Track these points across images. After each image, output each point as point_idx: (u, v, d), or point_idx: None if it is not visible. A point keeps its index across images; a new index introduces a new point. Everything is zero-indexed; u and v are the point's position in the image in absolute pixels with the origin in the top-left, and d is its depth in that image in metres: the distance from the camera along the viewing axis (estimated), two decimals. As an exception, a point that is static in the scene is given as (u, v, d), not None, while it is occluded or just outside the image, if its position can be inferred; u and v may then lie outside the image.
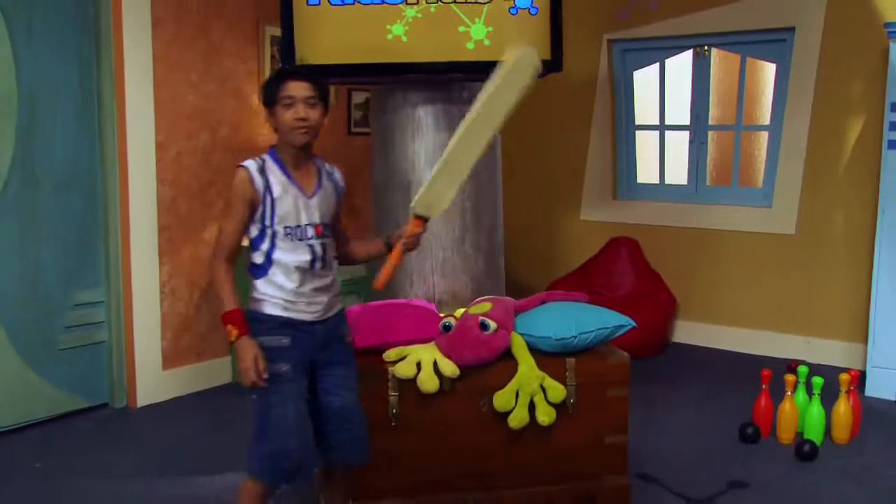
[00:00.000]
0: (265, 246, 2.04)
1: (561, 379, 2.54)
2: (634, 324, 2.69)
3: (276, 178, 2.03)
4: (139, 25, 3.64)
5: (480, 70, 2.81)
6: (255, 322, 2.05)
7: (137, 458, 3.17)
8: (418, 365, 2.46)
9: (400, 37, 2.75)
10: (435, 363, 2.47)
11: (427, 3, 2.75)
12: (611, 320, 2.64)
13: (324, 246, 2.07)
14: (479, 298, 2.78)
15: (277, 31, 4.14)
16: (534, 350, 2.57)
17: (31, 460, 3.12)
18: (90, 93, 3.61)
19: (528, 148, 5.50)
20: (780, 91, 4.79)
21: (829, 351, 4.53)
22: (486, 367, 2.52)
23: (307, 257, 2.04)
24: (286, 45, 2.74)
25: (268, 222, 2.02)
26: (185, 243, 3.91)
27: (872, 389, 4.04)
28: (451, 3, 2.75)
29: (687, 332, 5.07)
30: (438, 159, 2.17)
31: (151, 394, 3.80)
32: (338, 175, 2.18)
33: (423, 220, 2.16)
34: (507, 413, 2.50)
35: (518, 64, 2.11)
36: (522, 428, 2.52)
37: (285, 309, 2.04)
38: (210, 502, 2.77)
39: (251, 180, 2.01)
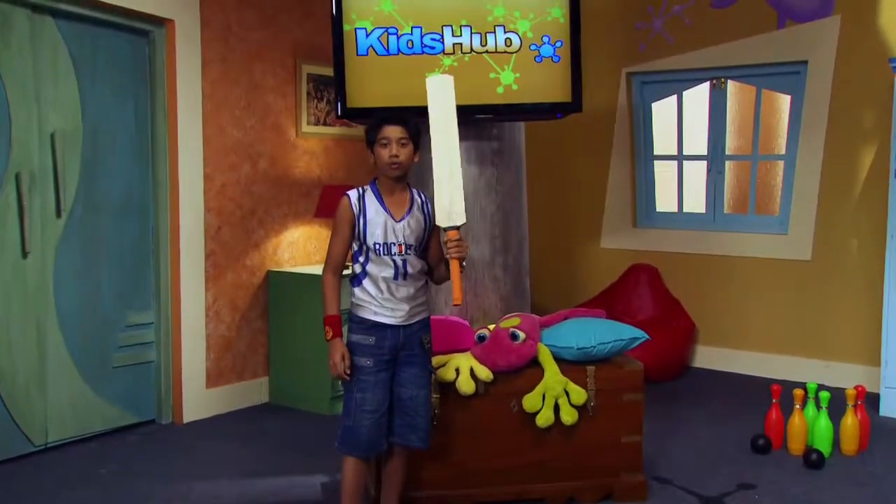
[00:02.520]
0: (362, 259, 2.70)
1: (582, 384, 3.16)
2: (647, 336, 3.29)
3: (372, 204, 2.69)
4: (190, 67, 4.32)
5: (509, 112, 3.50)
6: (352, 322, 2.72)
7: (192, 465, 3.77)
8: (457, 370, 3.09)
9: (438, 83, 3.41)
10: (471, 369, 3.10)
11: (462, 52, 3.43)
12: (626, 333, 3.26)
13: (405, 262, 2.68)
14: (508, 314, 3.40)
15: (314, 69, 4.89)
16: (558, 358, 3.20)
17: (95, 467, 3.72)
18: (145, 129, 4.28)
19: (550, 178, 6.15)
20: (794, 122, 5.41)
21: (847, 374, 5.06)
22: (516, 373, 3.15)
23: (391, 270, 2.67)
24: (339, 89, 3.41)
25: (363, 240, 2.66)
26: (227, 269, 4.56)
27: (887, 409, 4.57)
28: (484, 53, 3.44)
29: (706, 357, 5.66)
30: (433, 179, 2.76)
31: (196, 411, 4.41)
32: (430, 206, 2.77)
33: (454, 228, 2.71)
34: (535, 413, 3.12)
35: (434, 87, 2.78)
36: (548, 427, 3.13)
37: (374, 313, 2.68)
38: (270, 498, 3.38)
39: (350, 206, 2.68)
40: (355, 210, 2.68)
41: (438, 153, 2.74)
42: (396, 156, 2.65)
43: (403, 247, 2.69)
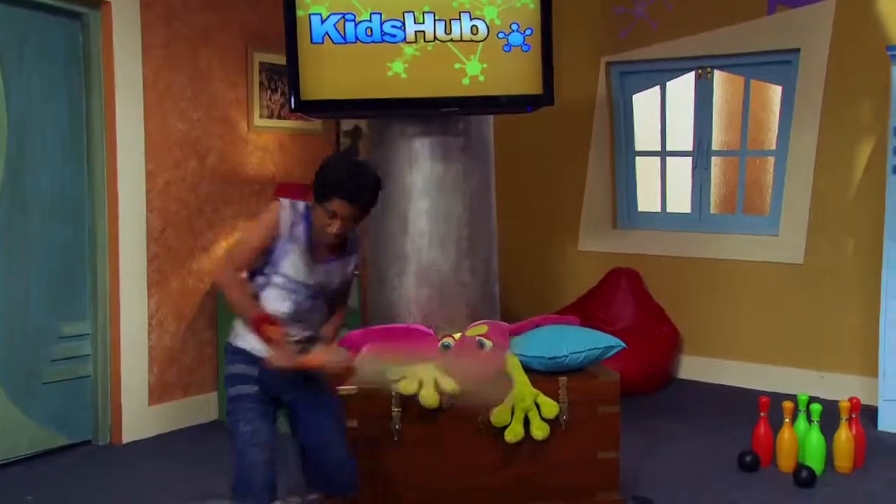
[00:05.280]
0: (261, 281, 2.64)
1: (554, 396, 3.24)
2: (624, 345, 3.39)
3: (298, 234, 2.62)
4: (129, 53, 4.34)
5: (476, 105, 3.58)
6: (230, 353, 2.69)
7: (131, 489, 3.79)
8: (420, 382, 3.15)
9: (399, 73, 3.50)
10: (435, 380, 3.16)
11: (425, 41, 3.50)
12: (601, 341, 3.35)
13: (311, 307, 2.67)
14: (475, 322, 3.48)
15: (266, 58, 4.95)
16: (528, 369, 3.28)
17: (20, 494, 3.72)
18: (79, 121, 4.30)
19: (523, 176, 6.23)
20: (785, 114, 5.53)
21: (842, 386, 5.11)
22: (484, 385, 3.22)
23: (287, 310, 2.62)
24: (292, 80, 3.47)
25: (273, 267, 2.61)
26: (172, 274, 4.59)
27: (885, 423, 4.66)
28: (448, 42, 3.51)
29: (692, 367, 5.76)
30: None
31: (137, 430, 4.43)
32: (355, 258, 2.77)
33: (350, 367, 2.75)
34: (504, 428, 3.19)
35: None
36: (518, 443, 3.21)
37: (252, 347, 2.62)
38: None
39: (279, 220, 2.60)
40: (283, 228, 2.60)
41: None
42: (340, 234, 2.59)
43: (316, 291, 2.67)
